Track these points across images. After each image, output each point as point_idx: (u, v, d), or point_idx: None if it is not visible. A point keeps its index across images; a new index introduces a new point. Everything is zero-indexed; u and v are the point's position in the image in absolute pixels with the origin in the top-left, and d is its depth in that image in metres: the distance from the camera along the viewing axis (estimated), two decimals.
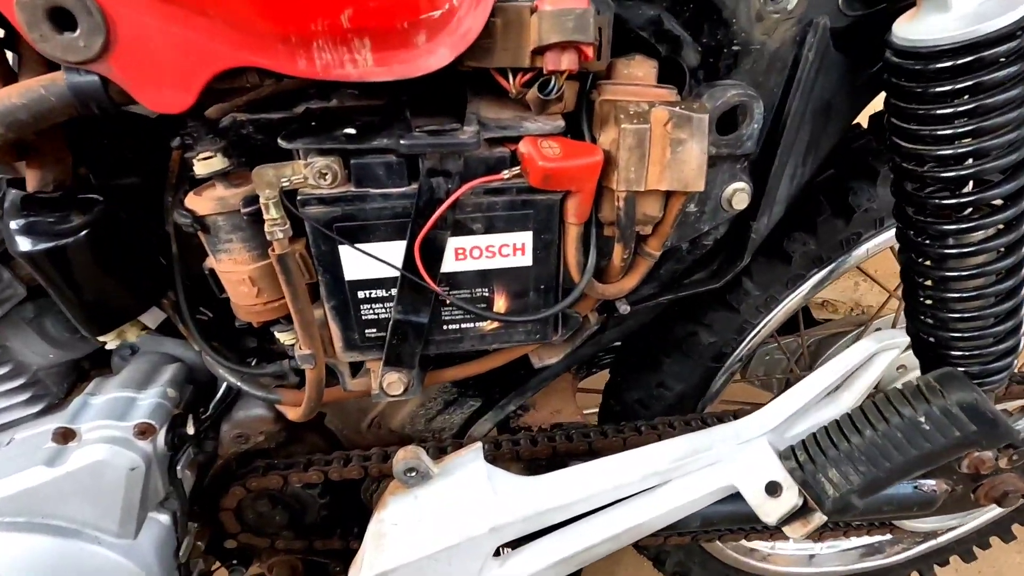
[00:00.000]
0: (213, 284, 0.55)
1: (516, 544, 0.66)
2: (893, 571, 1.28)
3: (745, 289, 0.79)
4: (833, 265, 0.80)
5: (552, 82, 0.44)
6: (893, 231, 0.77)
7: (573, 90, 0.50)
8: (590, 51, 0.42)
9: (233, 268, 0.51)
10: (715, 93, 0.50)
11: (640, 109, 0.47)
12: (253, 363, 0.66)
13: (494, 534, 0.63)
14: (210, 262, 0.53)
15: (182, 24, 0.38)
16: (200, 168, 0.47)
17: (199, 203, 0.49)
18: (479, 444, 0.64)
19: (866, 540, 1.26)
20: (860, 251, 0.79)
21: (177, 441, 0.64)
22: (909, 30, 0.47)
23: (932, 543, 1.24)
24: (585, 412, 0.98)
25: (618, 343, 0.98)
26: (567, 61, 0.42)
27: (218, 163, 0.48)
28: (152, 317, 0.60)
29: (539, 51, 0.44)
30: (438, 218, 0.46)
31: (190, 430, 0.65)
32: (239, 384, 0.62)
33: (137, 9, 0.37)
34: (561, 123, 0.48)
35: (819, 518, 0.58)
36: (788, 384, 1.22)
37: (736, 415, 0.85)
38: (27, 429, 0.64)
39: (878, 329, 1.11)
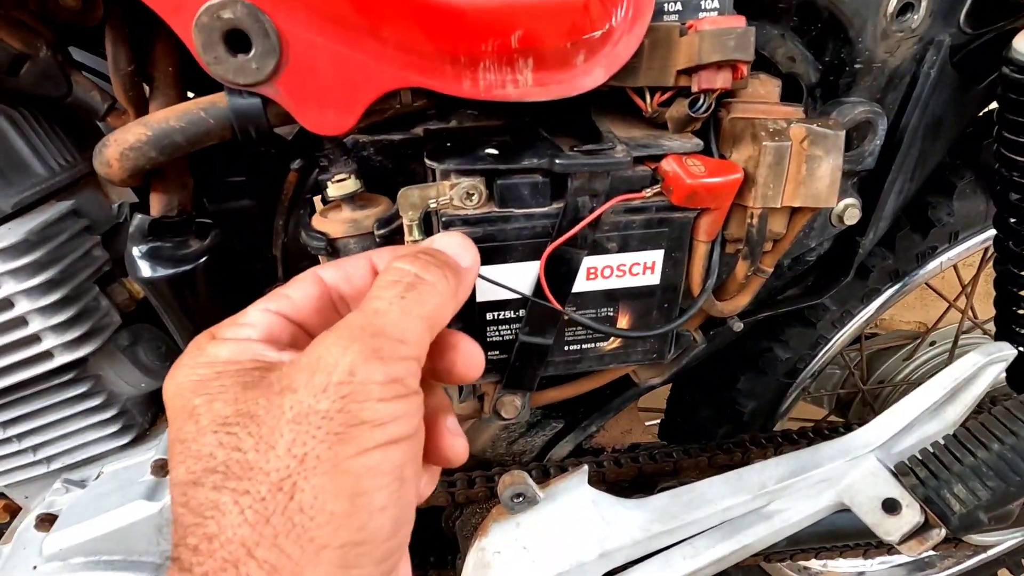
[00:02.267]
0: None
1: (621, 569, 0.64)
2: None
3: (823, 304, 0.79)
4: (906, 280, 0.80)
5: (702, 100, 0.44)
6: (963, 246, 0.79)
7: None
8: (745, 70, 0.43)
9: None
10: (844, 110, 0.51)
11: (779, 127, 0.47)
12: None
13: (603, 559, 0.61)
14: None
15: (353, 46, 0.37)
16: (334, 190, 0.46)
17: (331, 225, 0.47)
18: (584, 468, 0.63)
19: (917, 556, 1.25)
20: (933, 265, 0.80)
21: None
22: None
23: (982, 556, 1.23)
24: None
25: None
26: (721, 80, 0.43)
27: (351, 185, 0.47)
28: None
29: (689, 71, 0.44)
30: (575, 234, 0.46)
31: None
32: None
33: (312, 30, 0.36)
34: (699, 142, 0.47)
35: (938, 535, 0.57)
36: (838, 399, 1.23)
37: (805, 432, 0.85)
38: (116, 462, 0.61)
39: (933, 342, 1.12)
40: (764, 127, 0.47)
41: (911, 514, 0.57)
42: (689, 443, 0.83)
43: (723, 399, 0.88)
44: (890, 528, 0.58)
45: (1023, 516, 0.88)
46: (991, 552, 1.23)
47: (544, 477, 0.65)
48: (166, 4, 0.35)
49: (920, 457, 0.58)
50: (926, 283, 0.87)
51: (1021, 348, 0.63)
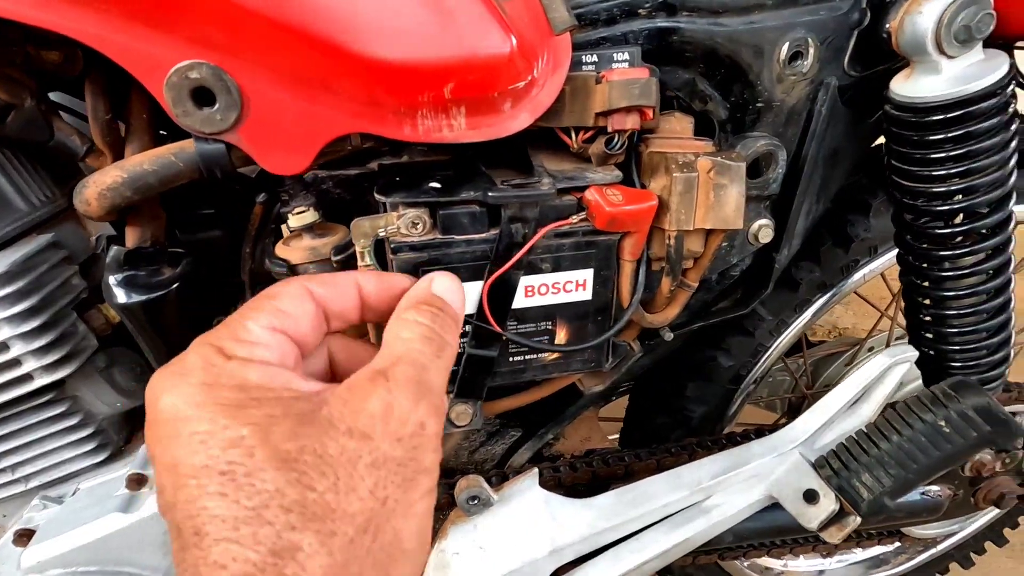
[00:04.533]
0: None
1: (572, 566, 0.69)
2: None
3: (759, 315, 0.86)
4: (835, 290, 0.88)
5: (616, 139, 0.51)
6: (884, 258, 0.87)
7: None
8: (651, 113, 0.49)
9: None
10: (747, 143, 0.58)
11: (688, 159, 0.53)
12: None
13: (553, 556, 0.66)
14: None
15: (307, 99, 0.43)
16: (294, 221, 0.52)
17: (292, 253, 0.53)
18: (535, 470, 0.68)
19: (872, 553, 1.31)
20: (857, 276, 0.87)
21: None
22: (906, 88, 0.56)
23: (932, 551, 1.30)
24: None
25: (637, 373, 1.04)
26: (631, 121, 0.49)
27: (310, 216, 0.52)
28: None
29: (604, 113, 0.50)
30: (515, 262, 0.52)
31: None
32: None
33: (270, 87, 0.42)
34: (619, 173, 0.54)
35: (855, 521, 0.63)
36: (790, 404, 1.30)
37: (754, 434, 0.91)
38: (92, 478, 0.65)
39: (871, 348, 1.20)
40: (675, 160, 0.54)
41: (827, 502, 0.63)
42: (641, 448, 0.88)
43: (674, 406, 0.94)
44: (811, 516, 0.64)
45: (953, 509, 0.96)
46: (940, 547, 1.30)
47: (501, 481, 0.70)
48: (140, 66, 0.41)
49: (835, 450, 0.64)
50: (855, 293, 0.95)
51: (925, 349, 0.71)
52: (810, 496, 0.63)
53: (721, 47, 0.55)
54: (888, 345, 1.10)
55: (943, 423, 0.58)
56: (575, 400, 0.81)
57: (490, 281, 0.52)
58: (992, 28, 0.50)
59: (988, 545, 1.32)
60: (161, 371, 0.29)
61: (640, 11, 0.53)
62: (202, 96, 0.42)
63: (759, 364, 0.92)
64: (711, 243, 0.59)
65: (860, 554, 1.32)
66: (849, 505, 0.61)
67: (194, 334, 0.31)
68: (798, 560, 1.31)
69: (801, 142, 0.61)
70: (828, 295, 0.88)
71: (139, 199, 0.46)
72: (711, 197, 0.54)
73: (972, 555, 1.32)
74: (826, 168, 0.64)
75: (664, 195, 0.55)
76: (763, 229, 0.64)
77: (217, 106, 0.42)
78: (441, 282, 0.38)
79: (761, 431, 0.92)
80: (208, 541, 0.24)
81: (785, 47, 0.56)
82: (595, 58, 0.51)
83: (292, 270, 0.53)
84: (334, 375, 0.37)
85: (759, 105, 0.58)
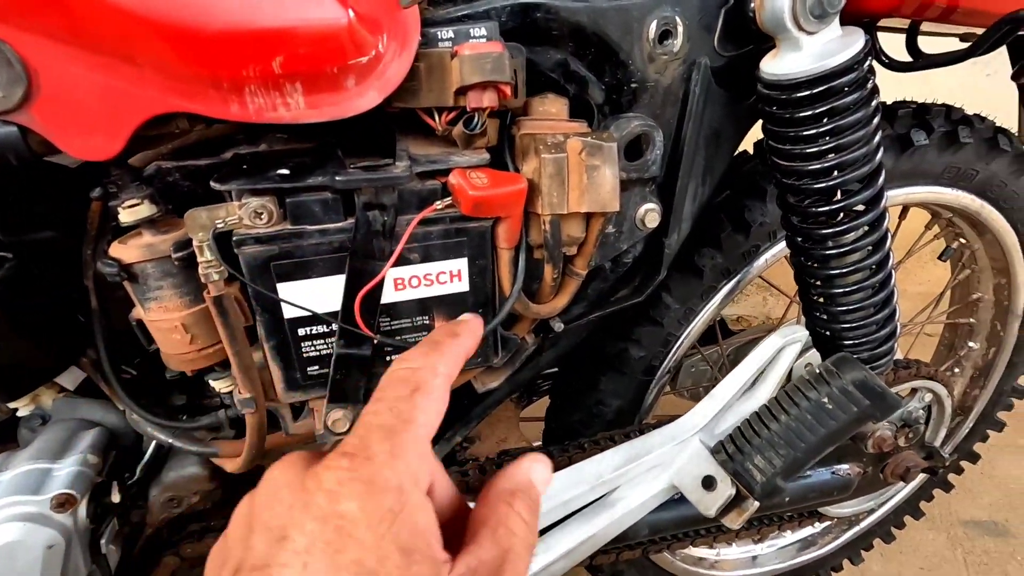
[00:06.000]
0: (141, 336, 0.53)
1: None
2: (827, 561, 1.36)
3: (666, 303, 0.86)
4: (739, 276, 0.88)
5: (476, 118, 0.48)
6: (784, 243, 0.88)
7: (495, 127, 0.54)
8: (508, 89, 0.47)
9: (164, 316, 0.50)
10: (620, 124, 0.56)
11: (557, 140, 0.52)
12: (184, 419, 0.63)
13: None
14: (137, 312, 0.52)
15: (108, 72, 0.38)
16: (126, 216, 0.47)
17: (125, 251, 0.48)
18: None
19: (800, 535, 1.34)
20: (760, 261, 0.88)
21: (100, 512, 0.59)
22: (773, 66, 0.56)
23: (856, 529, 1.34)
24: (534, 443, 1.00)
25: (555, 369, 1.02)
26: (488, 99, 0.47)
27: (145, 210, 0.47)
28: (70, 378, 0.57)
29: (462, 91, 0.48)
30: (392, 264, 0.48)
31: (115, 498, 0.61)
32: (171, 441, 0.59)
33: (60, 59, 0.37)
34: (486, 155, 0.51)
35: (752, 505, 0.62)
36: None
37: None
38: None
39: None
40: (544, 141, 0.52)
41: (724, 488, 0.62)
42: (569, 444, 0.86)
43: (589, 402, 0.92)
44: (709, 503, 0.63)
45: (864, 486, 0.98)
46: (863, 524, 1.34)
47: None
48: None
49: (731, 435, 0.64)
50: (761, 277, 0.96)
51: (819, 328, 0.71)
52: (708, 482, 0.62)
53: (587, 25, 0.53)
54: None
55: (826, 399, 0.58)
56: (482, 400, 0.78)
57: (363, 292, 0.48)
58: (844, 2, 0.50)
59: (907, 519, 1.37)
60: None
61: None
62: None
63: (671, 354, 0.91)
64: (592, 227, 0.57)
65: (789, 536, 1.34)
66: (744, 489, 0.61)
67: (30, 344, 0.26)
68: (730, 548, 1.32)
69: (680, 124, 0.61)
70: (733, 281, 0.88)
71: None
72: (584, 179, 0.53)
73: (893, 530, 1.37)
74: (708, 149, 0.63)
75: (535, 178, 0.52)
76: (649, 213, 0.63)
77: None
78: (540, 473, 0.36)
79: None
80: None
81: (653, 25, 0.55)
82: (451, 34, 0.48)
83: (126, 270, 0.48)
84: None
85: (633, 86, 0.57)
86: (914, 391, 1.01)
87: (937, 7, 0.53)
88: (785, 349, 0.66)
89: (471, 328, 0.39)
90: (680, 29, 0.55)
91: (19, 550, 0.53)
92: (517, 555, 0.31)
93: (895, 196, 0.92)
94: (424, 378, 0.32)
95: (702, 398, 1.27)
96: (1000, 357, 1.22)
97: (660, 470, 0.67)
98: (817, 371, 0.61)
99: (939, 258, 1.15)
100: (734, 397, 0.67)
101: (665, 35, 0.56)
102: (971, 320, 1.24)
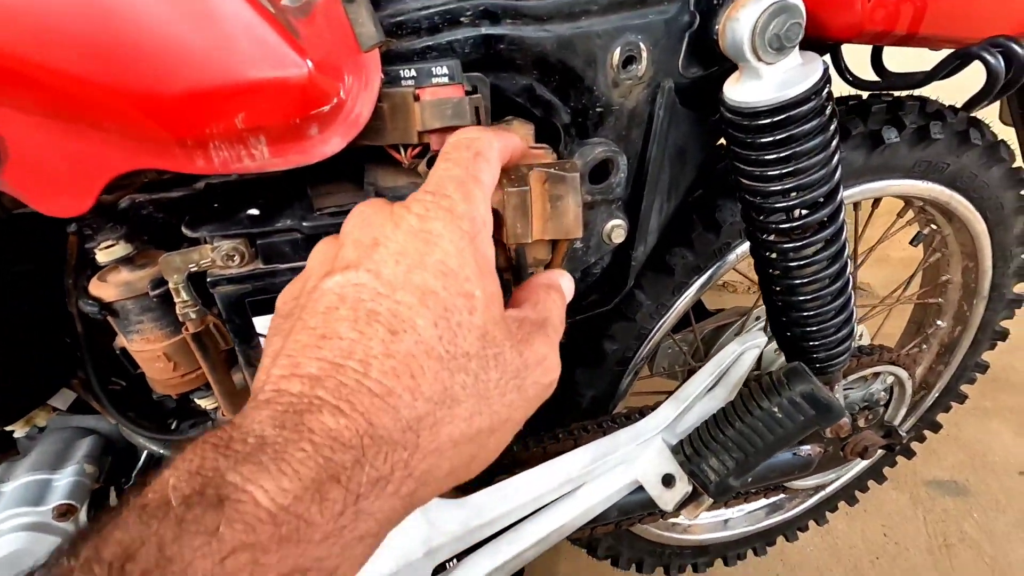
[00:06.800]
0: (126, 362, 0.55)
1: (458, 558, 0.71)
2: (794, 523, 1.45)
3: (638, 300, 0.88)
4: (711, 271, 0.91)
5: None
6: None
7: None
8: None
9: (146, 347, 0.53)
10: (584, 151, 0.58)
11: (520, 173, 0.53)
12: (174, 426, 0.66)
13: (429, 557, 0.68)
14: (121, 342, 0.54)
15: (76, 138, 0.39)
16: (103, 257, 0.49)
17: (105, 289, 0.50)
18: None
19: (769, 501, 1.42)
20: (731, 257, 0.90)
21: None
22: (735, 92, 0.56)
23: (822, 494, 1.42)
24: None
25: None
26: None
27: (120, 250, 0.49)
28: (62, 398, 0.60)
29: (424, 132, 0.49)
30: None
31: (113, 503, 0.65)
32: (163, 451, 0.63)
33: (28, 128, 0.38)
34: None
35: (707, 500, 0.68)
36: (690, 374, 1.36)
37: (642, 411, 0.95)
38: None
39: (758, 318, 1.26)
40: (507, 174, 0.53)
41: (682, 486, 0.67)
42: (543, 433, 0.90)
43: (564, 392, 0.97)
44: (668, 499, 0.68)
45: (824, 464, 1.04)
46: (828, 490, 1.42)
47: None
48: None
49: (690, 437, 0.68)
50: (735, 270, 0.98)
51: (782, 332, 0.75)
52: (667, 480, 0.67)
53: (551, 54, 0.53)
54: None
55: (776, 409, 0.62)
56: None
57: None
58: (801, 36, 0.51)
59: (871, 483, 1.45)
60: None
61: (463, 19, 0.51)
62: None
63: (644, 345, 0.95)
64: (559, 250, 0.59)
65: (758, 502, 1.43)
66: (700, 487, 0.65)
67: (19, 371, 0.29)
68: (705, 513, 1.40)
69: (646, 143, 0.62)
70: (704, 276, 0.91)
71: None
72: (547, 208, 0.54)
73: (857, 493, 1.46)
74: (674, 167, 0.64)
75: (500, 208, 0.54)
76: (615, 229, 0.65)
77: None
78: (567, 280, 0.48)
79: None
80: None
81: (617, 52, 0.55)
82: (413, 72, 0.49)
83: (107, 308, 0.50)
84: None
85: (599, 110, 0.58)
86: (876, 375, 1.06)
87: (896, 35, 0.54)
88: (744, 354, 0.70)
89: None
90: (644, 54, 0.56)
91: (25, 557, 0.58)
92: (553, 326, 0.37)
93: (867, 190, 0.94)
94: (483, 146, 0.38)
95: (679, 377, 1.32)
96: (965, 335, 1.27)
97: (625, 466, 0.71)
98: (769, 380, 0.65)
99: (911, 243, 1.18)
100: (695, 399, 0.71)
101: (629, 60, 0.56)
102: (940, 300, 1.28)
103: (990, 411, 1.91)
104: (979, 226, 1.07)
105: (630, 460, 0.71)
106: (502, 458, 0.86)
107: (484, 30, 0.51)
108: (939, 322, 1.31)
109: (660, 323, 0.93)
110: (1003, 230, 1.10)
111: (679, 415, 0.71)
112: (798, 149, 0.57)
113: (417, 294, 0.30)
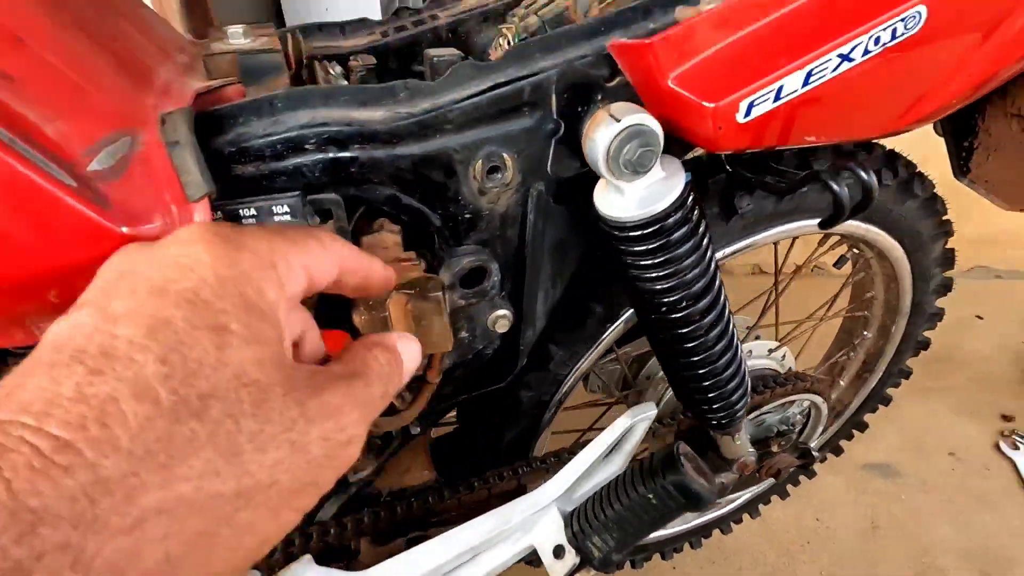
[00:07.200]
0: None
1: None
2: (729, 517, 1.52)
3: (550, 352, 0.89)
4: (623, 318, 0.91)
5: None
6: None
7: None
8: None
9: None
10: (452, 264, 0.57)
11: (378, 300, 0.52)
12: None
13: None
14: None
15: None
16: None
17: None
18: (307, 556, 0.71)
19: None
20: None
21: None
22: (602, 203, 0.56)
23: (755, 490, 1.49)
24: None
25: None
26: None
27: None
28: None
29: None
30: None
31: None
32: None
33: None
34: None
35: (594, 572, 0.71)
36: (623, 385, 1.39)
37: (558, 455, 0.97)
38: None
39: None
40: (364, 302, 0.52)
41: (571, 557, 0.70)
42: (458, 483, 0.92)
43: (483, 437, 0.98)
44: (559, 569, 0.71)
45: (740, 485, 1.09)
46: (762, 486, 1.49)
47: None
48: None
49: (578, 511, 0.71)
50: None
51: (681, 393, 0.77)
52: (558, 552, 0.70)
53: (407, 171, 0.52)
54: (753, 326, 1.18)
55: (651, 496, 0.64)
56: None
57: None
58: (655, 162, 0.50)
59: (802, 478, 1.52)
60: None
61: (307, 147, 0.49)
62: None
63: (560, 390, 0.96)
64: (434, 359, 0.60)
65: None
66: (586, 560, 0.69)
67: None
68: None
69: (523, 241, 0.61)
70: (616, 323, 0.91)
71: None
72: (412, 328, 0.54)
73: (789, 487, 1.52)
74: (554, 260, 0.64)
75: (365, 331, 0.54)
76: (499, 320, 0.65)
77: None
78: (408, 343, 0.38)
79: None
80: None
81: (479, 164, 0.53)
82: (253, 212, 0.47)
83: None
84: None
85: (468, 216, 0.57)
86: (792, 402, 1.10)
87: (765, 145, 0.53)
88: (635, 426, 0.72)
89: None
90: (509, 163, 0.54)
91: None
92: (364, 381, 0.32)
93: (782, 232, 0.94)
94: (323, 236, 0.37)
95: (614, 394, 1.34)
96: (888, 346, 1.31)
97: (522, 533, 0.74)
98: (647, 466, 0.67)
99: (834, 266, 1.19)
100: (589, 469, 0.73)
101: (494, 170, 0.54)
102: (866, 313, 1.31)
103: (931, 391, 1.95)
104: (897, 252, 1.09)
105: (527, 527, 0.74)
106: (419, 511, 0.89)
107: (332, 155, 0.50)
108: (866, 332, 1.35)
109: (576, 367, 0.95)
110: (922, 254, 1.12)
111: (573, 484, 0.74)
112: (670, 256, 0.57)
113: (144, 326, 0.25)
